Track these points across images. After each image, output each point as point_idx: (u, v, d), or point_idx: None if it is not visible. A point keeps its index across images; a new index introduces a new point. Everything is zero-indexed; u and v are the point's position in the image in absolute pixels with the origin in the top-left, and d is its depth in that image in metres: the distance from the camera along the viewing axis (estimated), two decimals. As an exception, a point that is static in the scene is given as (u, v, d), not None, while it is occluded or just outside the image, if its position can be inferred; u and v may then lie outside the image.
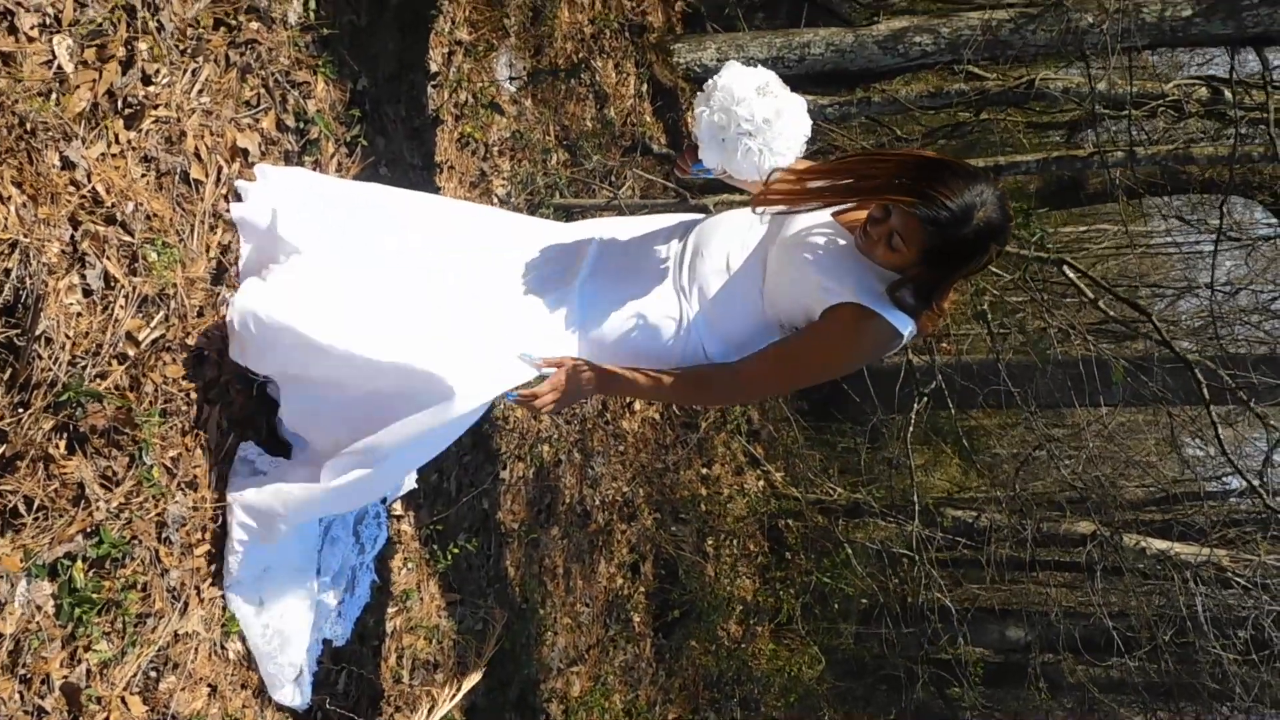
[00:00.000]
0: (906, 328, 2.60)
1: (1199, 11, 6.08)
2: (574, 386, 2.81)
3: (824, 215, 2.69)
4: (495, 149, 4.96)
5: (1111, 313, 5.60)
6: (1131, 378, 6.39)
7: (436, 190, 4.39)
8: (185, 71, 2.99)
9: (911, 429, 6.79)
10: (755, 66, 2.62)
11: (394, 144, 4.12)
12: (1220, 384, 5.79)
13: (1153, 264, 14.66)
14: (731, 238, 2.84)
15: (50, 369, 2.48)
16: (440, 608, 4.36)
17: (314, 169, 3.47)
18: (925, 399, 6.38)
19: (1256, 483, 6.55)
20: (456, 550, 4.29)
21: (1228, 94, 7.34)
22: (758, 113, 2.51)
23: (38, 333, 2.44)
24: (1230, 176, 7.08)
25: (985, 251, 2.47)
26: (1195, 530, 8.71)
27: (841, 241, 2.67)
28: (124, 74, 2.76)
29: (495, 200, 4.87)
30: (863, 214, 2.62)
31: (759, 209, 2.69)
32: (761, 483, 9.25)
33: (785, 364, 2.74)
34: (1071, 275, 5.62)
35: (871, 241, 2.54)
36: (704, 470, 8.16)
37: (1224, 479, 12.94)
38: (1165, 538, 8.59)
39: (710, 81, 2.60)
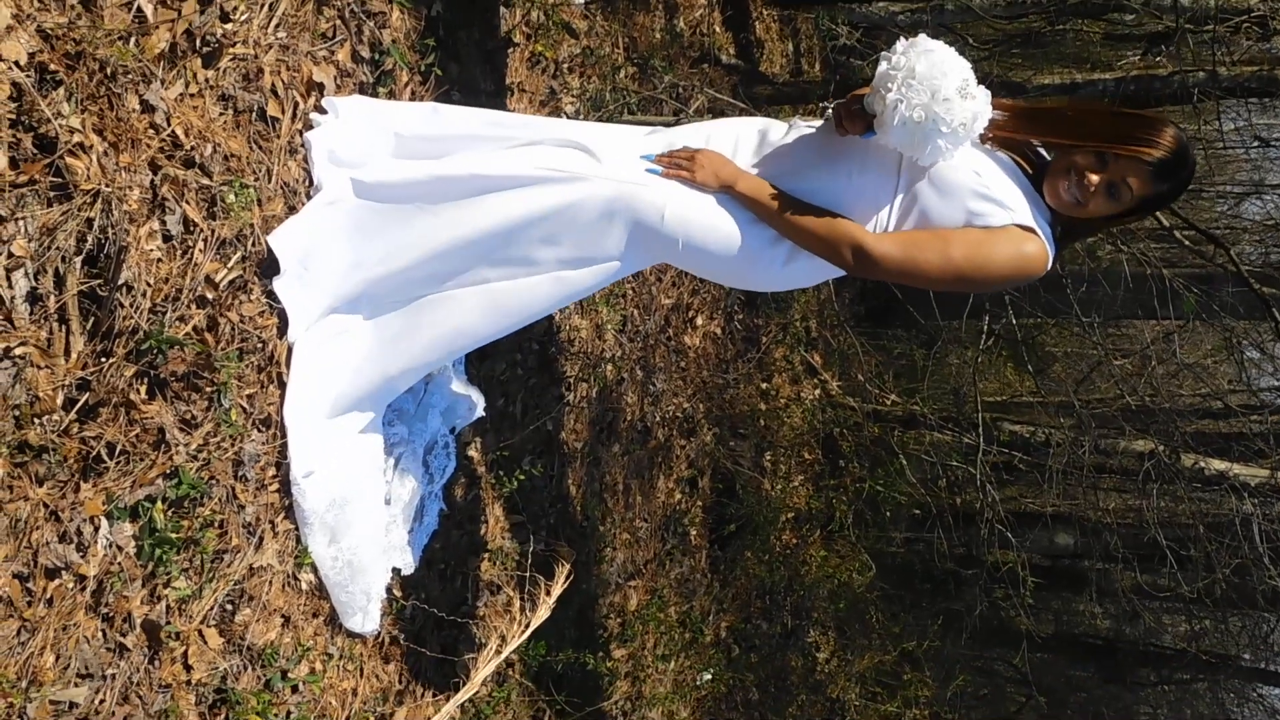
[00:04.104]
0: (1051, 261, 2.69)
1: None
2: (717, 163, 2.80)
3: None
4: (565, 66, 4.89)
5: (1187, 243, 5.49)
6: (1200, 302, 6.28)
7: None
8: (263, 6, 2.94)
9: (979, 359, 6.72)
10: (945, 46, 2.57)
11: (467, 69, 4.06)
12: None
13: (1219, 164, 14.31)
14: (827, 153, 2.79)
15: (132, 316, 2.49)
16: (505, 529, 4.41)
17: (388, 100, 3.43)
18: (995, 335, 6.30)
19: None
20: (522, 476, 4.32)
21: (1316, 8, 7.10)
22: (958, 116, 2.49)
23: (120, 282, 2.44)
24: (1315, 86, 6.87)
25: (1183, 192, 2.65)
26: (1254, 451, 8.59)
27: (1005, 167, 2.71)
28: (203, 12, 2.72)
29: (564, 118, 4.81)
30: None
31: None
32: (818, 392, 9.23)
33: (943, 250, 2.66)
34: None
35: (1084, 190, 2.59)
36: (763, 385, 8.15)
37: None
38: (1224, 458, 8.48)
39: (900, 59, 2.53)
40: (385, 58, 3.43)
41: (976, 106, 2.51)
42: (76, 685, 2.45)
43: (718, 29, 6.71)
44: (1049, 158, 2.75)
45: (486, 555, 4.26)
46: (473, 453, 4.20)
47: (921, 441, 9.03)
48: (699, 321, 6.82)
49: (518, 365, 4.54)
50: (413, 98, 3.62)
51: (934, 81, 2.47)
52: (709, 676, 6.55)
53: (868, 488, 8.50)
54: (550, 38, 4.66)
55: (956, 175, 2.64)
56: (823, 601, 8.83)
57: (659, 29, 5.93)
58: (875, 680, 8.99)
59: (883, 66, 2.57)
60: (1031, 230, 2.63)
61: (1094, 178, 2.56)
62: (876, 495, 8.54)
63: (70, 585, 2.43)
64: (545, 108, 4.69)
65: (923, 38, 2.58)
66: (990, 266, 2.64)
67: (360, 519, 3.30)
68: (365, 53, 3.36)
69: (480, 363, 4.23)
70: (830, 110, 2.78)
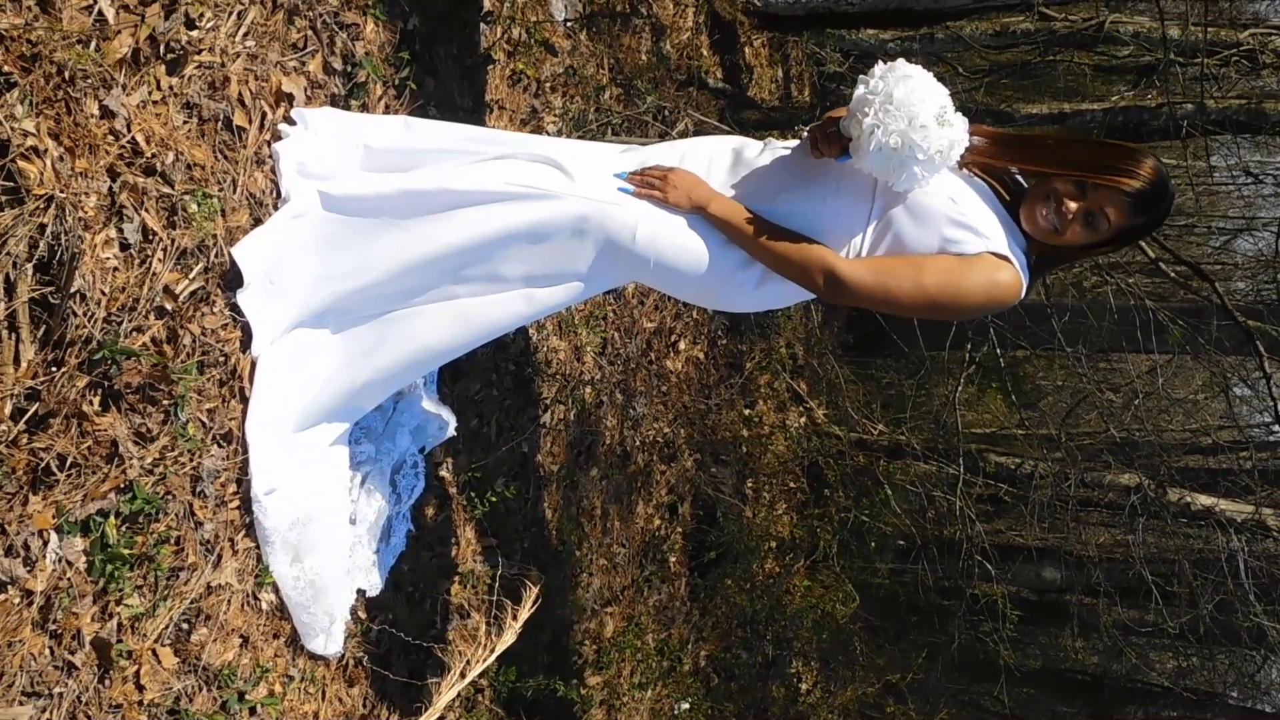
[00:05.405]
0: (1025, 290, 2.68)
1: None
2: (690, 184, 2.77)
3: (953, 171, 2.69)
4: (548, 85, 4.85)
5: (1173, 275, 5.46)
6: (1186, 335, 6.27)
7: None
8: (230, 14, 2.90)
9: (960, 389, 6.68)
10: (924, 71, 2.54)
11: (444, 84, 4.02)
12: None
13: (1210, 200, 14.37)
14: (801, 174, 2.76)
15: (85, 326, 2.43)
16: (476, 553, 4.35)
17: (360, 113, 3.39)
18: (976, 365, 6.27)
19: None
20: (495, 499, 4.25)
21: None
22: (934, 144, 2.46)
23: (72, 290, 2.39)
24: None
25: (1160, 225, 2.65)
26: (1241, 487, 8.56)
27: (982, 193, 2.68)
28: (167, 18, 2.67)
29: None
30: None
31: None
32: (804, 419, 9.18)
33: (916, 277, 2.63)
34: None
35: (1061, 217, 2.57)
36: (746, 411, 8.09)
37: (1272, 429, 12.73)
38: (1211, 493, 8.44)
39: (878, 84, 2.51)
40: (358, 70, 3.38)
41: (953, 134, 2.48)
42: (21, 703, 2.38)
43: (705, 52, 6.69)
44: (1027, 185, 2.72)
45: (457, 578, 4.20)
46: (444, 473, 4.14)
47: (907, 472, 8.98)
48: (681, 346, 6.77)
49: (493, 385, 4.48)
50: (386, 111, 3.58)
51: (911, 108, 2.44)
52: (687, 706, 6.47)
53: (853, 517, 8.44)
54: (532, 56, 4.63)
55: (932, 201, 2.61)
56: (805, 631, 8.75)
57: (645, 50, 5.90)
58: (858, 713, 8.91)
59: (860, 90, 2.53)
60: (1006, 258, 2.60)
61: (1072, 205, 2.54)
62: (861, 525, 8.48)
63: (16, 600, 2.37)
64: (526, 126, 4.65)
65: (901, 62, 2.54)
66: (963, 294, 2.62)
67: (324, 538, 3.24)
68: (337, 64, 3.31)
69: (454, 382, 4.17)
70: (806, 132, 2.75)
